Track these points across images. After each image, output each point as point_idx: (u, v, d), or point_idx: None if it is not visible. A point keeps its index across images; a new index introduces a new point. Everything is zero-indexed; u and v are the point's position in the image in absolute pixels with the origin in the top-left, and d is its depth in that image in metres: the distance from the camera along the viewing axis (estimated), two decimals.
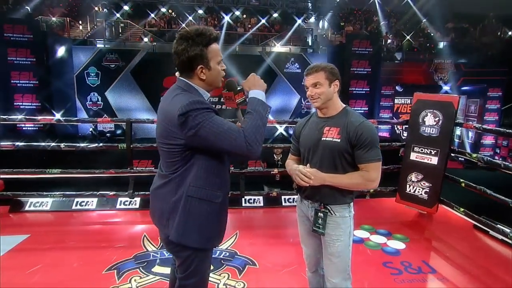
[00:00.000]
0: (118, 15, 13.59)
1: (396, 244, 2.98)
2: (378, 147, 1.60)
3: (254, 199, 3.84)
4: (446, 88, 11.55)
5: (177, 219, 1.35)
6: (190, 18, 14.03)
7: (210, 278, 1.86)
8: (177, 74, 1.46)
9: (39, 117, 3.22)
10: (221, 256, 2.73)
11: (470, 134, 11.83)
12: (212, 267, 2.53)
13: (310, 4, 14.94)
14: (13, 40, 9.20)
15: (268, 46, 13.07)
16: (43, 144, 3.07)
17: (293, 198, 3.79)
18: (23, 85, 9.44)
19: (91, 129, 10.70)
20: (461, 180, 3.18)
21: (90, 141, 8.74)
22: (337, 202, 1.64)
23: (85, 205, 3.58)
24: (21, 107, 9.48)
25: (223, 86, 1.47)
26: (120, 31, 13.33)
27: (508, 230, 2.78)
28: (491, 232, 3.03)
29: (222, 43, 12.09)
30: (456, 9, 14.79)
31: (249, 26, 14.20)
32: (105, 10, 13.80)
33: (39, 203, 3.51)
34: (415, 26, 14.51)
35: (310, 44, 13.34)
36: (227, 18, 13.42)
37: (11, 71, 9.31)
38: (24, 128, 9.65)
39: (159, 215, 1.44)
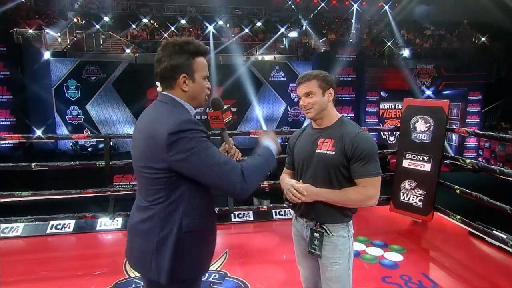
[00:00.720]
0: (98, 26, 13.29)
1: (394, 256, 2.86)
2: (377, 160, 1.48)
3: (244, 214, 3.66)
4: (428, 92, 11.79)
5: (169, 260, 1.18)
6: (173, 28, 13.90)
7: None
8: (158, 88, 1.32)
9: (6, 135, 2.95)
10: (210, 279, 2.53)
11: (454, 137, 12.06)
12: None
13: (293, 13, 15.08)
14: None
15: (252, 55, 13.05)
16: (11, 164, 2.80)
17: (285, 211, 3.64)
18: None
19: (71, 144, 10.27)
20: (456, 186, 3.11)
21: (71, 157, 8.37)
22: (334, 221, 1.51)
23: (62, 228, 3.30)
24: None
25: (208, 106, 1.36)
26: (101, 42, 13.04)
27: (504, 237, 2.71)
28: (487, 238, 2.96)
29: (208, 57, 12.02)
30: (433, 16, 15.29)
31: (233, 35, 14.19)
32: (83, 21, 13.47)
33: (9, 229, 3.21)
34: (393, 33, 14.85)
35: (295, 52, 13.41)
36: (210, 28, 13.34)
37: None
38: None
39: (139, 256, 1.26)
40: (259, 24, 14.89)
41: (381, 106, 11.71)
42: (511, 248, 2.69)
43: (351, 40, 11.95)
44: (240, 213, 3.64)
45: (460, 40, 13.76)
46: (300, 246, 1.67)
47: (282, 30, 14.64)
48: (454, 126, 11.65)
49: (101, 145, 10.57)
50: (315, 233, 1.52)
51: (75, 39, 12.88)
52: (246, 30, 14.40)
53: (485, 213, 3.40)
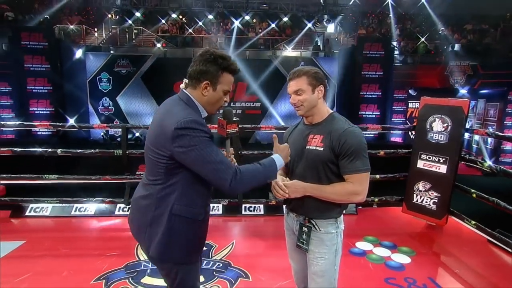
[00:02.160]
0: (130, 21, 13.87)
1: (401, 258, 2.80)
2: (365, 156, 1.47)
3: (255, 207, 3.73)
4: (463, 91, 11.10)
5: (159, 236, 1.34)
6: (200, 23, 14.15)
7: None
8: (182, 85, 1.50)
9: (36, 123, 3.22)
10: (214, 268, 2.63)
11: (489, 139, 11.29)
12: (203, 279, 2.46)
13: (322, 7, 14.77)
14: (30, 48, 9.49)
15: (279, 50, 12.99)
16: (39, 150, 3.07)
17: None
18: (38, 91, 9.71)
19: (102, 133, 10.87)
20: (473, 190, 2.97)
21: (101, 146, 8.90)
22: (322, 216, 1.52)
23: (84, 211, 3.57)
24: (36, 112, 9.75)
25: (220, 113, 1.50)
26: (134, 37, 13.61)
27: None
28: (504, 246, 2.80)
29: (233, 49, 12.17)
30: (474, 10, 14.28)
31: (260, 30, 14.19)
32: (117, 17, 14.12)
33: (39, 209, 3.52)
34: (430, 28, 14.10)
35: (321, 47, 13.17)
36: (236, 23, 13.44)
37: (27, 78, 9.61)
38: (38, 133, 9.90)
39: (138, 227, 1.44)
40: (285, 19, 14.76)
41: (410, 105, 11.21)
42: None
43: (379, 36, 11.52)
44: (251, 206, 3.71)
45: (505, 35, 12.75)
46: (290, 240, 1.69)
47: (309, 25, 14.42)
48: (490, 128, 11.03)
49: (129, 135, 11.09)
50: (303, 228, 1.54)
51: (110, 34, 13.56)
52: (273, 25, 14.33)
53: (508, 220, 3.21)
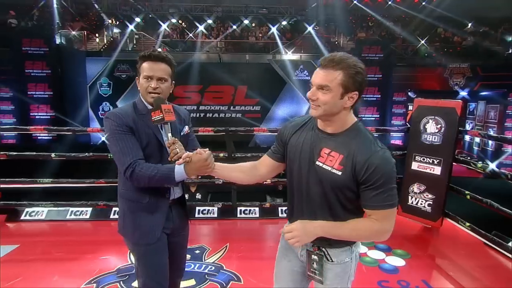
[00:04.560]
0: (131, 27, 14.00)
1: (395, 261, 2.77)
2: (394, 186, 1.17)
3: (250, 210, 3.72)
4: (463, 93, 11.07)
5: (119, 216, 1.58)
6: (201, 28, 14.26)
7: None
8: None
9: (31, 127, 3.24)
10: (206, 271, 2.62)
11: (490, 142, 11.22)
12: (194, 282, 2.45)
13: (320, 11, 14.85)
14: (31, 53, 9.60)
15: (278, 54, 13.05)
16: (34, 153, 3.09)
17: None
18: (39, 96, 9.80)
19: (103, 138, 10.93)
20: (467, 192, 2.94)
21: (102, 150, 8.94)
22: (335, 245, 1.26)
23: (79, 215, 3.57)
24: (36, 117, 9.83)
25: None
26: (135, 42, 13.74)
27: None
28: (498, 249, 2.77)
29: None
30: (475, 12, 14.29)
31: (260, 35, 14.27)
32: (117, 22, 14.26)
33: (35, 213, 3.53)
34: (430, 30, 14.12)
35: (321, 51, 13.21)
36: (235, 27, 13.52)
37: (27, 83, 9.70)
38: (38, 138, 9.97)
39: None
40: (284, 23, 14.83)
41: (409, 108, 11.17)
42: None
43: (378, 39, 11.53)
44: (246, 209, 3.70)
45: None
46: (289, 262, 1.40)
47: (310, 29, 14.48)
48: (491, 130, 10.95)
49: None
50: (312, 256, 1.28)
51: (111, 39, 13.69)
52: (273, 29, 14.40)
53: (506, 222, 3.17)
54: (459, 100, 3.01)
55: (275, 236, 3.41)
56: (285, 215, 3.67)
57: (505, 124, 10.88)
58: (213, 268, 2.66)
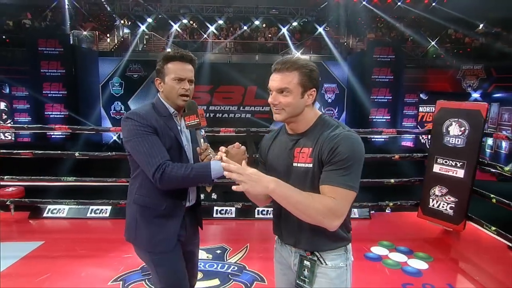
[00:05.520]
0: (143, 27, 14.14)
1: (418, 264, 2.75)
2: (359, 171, 1.12)
3: (267, 211, 3.73)
4: (476, 95, 10.93)
5: (129, 222, 1.49)
6: (212, 28, 14.33)
7: None
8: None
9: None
10: (229, 271, 2.64)
11: (504, 144, 11.06)
12: (218, 282, 2.47)
13: (330, 12, 14.82)
14: (46, 54, 9.77)
15: (288, 54, 13.06)
16: (59, 152, 3.14)
17: None
18: (53, 95, 9.96)
19: (115, 137, 11.05)
20: (492, 195, 2.91)
21: (113, 149, 9.04)
22: (328, 247, 1.20)
23: (100, 213, 3.62)
24: (51, 116, 9.98)
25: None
26: (145, 42, 13.87)
27: None
28: None
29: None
30: (487, 13, 14.11)
31: (270, 35, 14.28)
32: (129, 23, 14.41)
33: (57, 210, 3.59)
34: (441, 31, 13.99)
35: (330, 51, 13.18)
36: (245, 28, 13.56)
37: (43, 83, 9.86)
38: (52, 136, 10.12)
39: None
40: (295, 24, 14.83)
41: (420, 109, 11.08)
42: None
43: (389, 40, 11.46)
44: (263, 210, 3.71)
45: None
46: (284, 276, 1.35)
47: (320, 29, 14.46)
48: (505, 132, 10.79)
49: None
50: (304, 261, 1.22)
51: (122, 39, 13.85)
52: (284, 30, 14.42)
53: None
54: (484, 103, 2.98)
55: None
56: None
57: None
58: (236, 268, 2.67)
